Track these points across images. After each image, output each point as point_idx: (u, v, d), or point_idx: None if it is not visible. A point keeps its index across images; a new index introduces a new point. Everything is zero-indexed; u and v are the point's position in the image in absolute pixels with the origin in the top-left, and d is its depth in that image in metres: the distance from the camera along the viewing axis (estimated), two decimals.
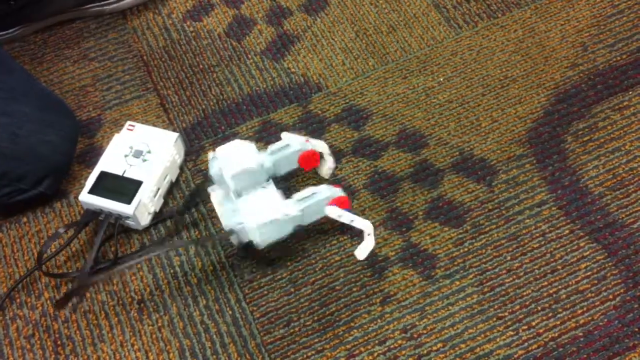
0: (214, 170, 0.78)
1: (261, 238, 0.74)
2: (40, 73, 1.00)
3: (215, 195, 0.80)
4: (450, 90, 0.93)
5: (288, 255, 0.81)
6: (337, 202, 0.76)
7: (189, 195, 0.78)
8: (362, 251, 0.76)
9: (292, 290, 0.79)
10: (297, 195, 0.76)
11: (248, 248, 0.77)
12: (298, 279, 0.80)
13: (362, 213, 0.83)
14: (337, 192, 0.77)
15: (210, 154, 0.79)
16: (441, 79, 0.94)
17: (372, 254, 0.80)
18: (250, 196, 0.76)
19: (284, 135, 0.83)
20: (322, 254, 0.81)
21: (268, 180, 0.79)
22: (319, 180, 0.86)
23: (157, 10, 1.06)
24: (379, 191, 0.85)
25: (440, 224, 0.82)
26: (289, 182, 0.86)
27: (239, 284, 0.80)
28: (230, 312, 0.78)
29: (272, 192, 0.76)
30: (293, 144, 0.80)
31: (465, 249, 0.80)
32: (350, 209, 0.77)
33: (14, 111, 0.82)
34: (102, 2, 1.03)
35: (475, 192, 0.84)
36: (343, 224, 0.79)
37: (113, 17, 1.05)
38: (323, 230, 0.82)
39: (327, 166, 0.85)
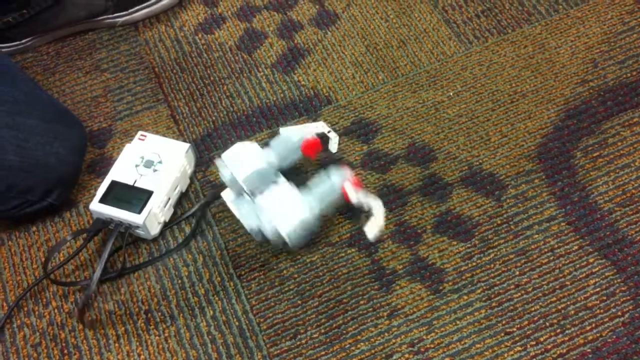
0: (225, 176, 0.79)
1: (292, 239, 0.75)
2: (53, 84, 1.01)
3: (230, 198, 0.82)
4: (459, 104, 0.93)
5: None
6: (353, 183, 0.77)
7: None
8: (371, 228, 0.78)
9: (299, 302, 0.79)
10: (313, 186, 0.77)
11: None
12: (305, 291, 0.80)
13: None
14: (348, 173, 0.78)
15: (218, 162, 0.80)
16: (451, 94, 0.94)
17: (380, 267, 0.80)
18: (270, 198, 0.77)
19: (282, 130, 0.84)
20: (329, 266, 0.81)
21: (277, 174, 0.80)
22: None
23: (169, 23, 1.06)
24: (388, 204, 0.85)
25: (449, 238, 0.82)
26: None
27: (247, 296, 0.80)
28: (237, 324, 0.78)
29: (289, 190, 0.77)
30: (292, 137, 0.81)
31: (474, 264, 0.80)
32: (362, 188, 0.78)
33: (20, 123, 0.82)
34: (115, 14, 1.04)
35: (484, 206, 0.84)
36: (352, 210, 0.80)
37: (125, 29, 1.06)
38: (331, 243, 0.82)
39: (333, 142, 0.87)
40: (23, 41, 1.04)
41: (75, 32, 1.05)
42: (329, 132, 0.86)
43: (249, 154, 0.79)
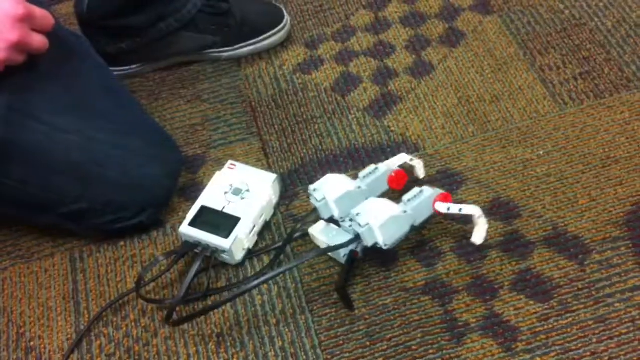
0: (318, 199, 0.82)
1: (385, 236, 0.77)
2: (155, 109, 1.06)
3: (316, 230, 0.85)
4: (549, 164, 0.92)
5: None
6: (442, 198, 0.81)
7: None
8: (478, 235, 0.81)
9: (368, 343, 0.79)
10: (405, 197, 0.80)
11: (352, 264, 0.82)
12: (375, 334, 0.80)
13: (446, 276, 0.83)
14: (438, 190, 0.82)
15: (311, 186, 0.83)
16: (541, 152, 0.93)
17: (453, 318, 0.80)
18: (363, 206, 0.80)
19: (372, 165, 0.87)
20: (401, 311, 0.81)
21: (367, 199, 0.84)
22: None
23: (270, 61, 1.11)
24: (466, 256, 0.85)
25: (526, 297, 0.80)
26: None
27: (316, 331, 0.81)
28: (304, 357, 0.79)
29: (381, 199, 0.81)
30: (381, 167, 0.85)
31: (550, 326, 0.78)
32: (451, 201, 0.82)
33: (125, 144, 0.87)
34: (221, 49, 1.10)
35: (566, 269, 0.82)
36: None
37: (229, 64, 1.11)
38: (405, 288, 0.82)
39: (419, 168, 0.90)
40: (132, 66, 1.10)
41: (181, 62, 1.11)
42: (411, 160, 0.88)
43: (339, 180, 0.83)
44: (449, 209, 0.80)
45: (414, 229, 0.81)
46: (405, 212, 0.78)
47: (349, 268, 0.82)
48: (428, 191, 0.81)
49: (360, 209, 0.79)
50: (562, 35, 1.07)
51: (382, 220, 0.77)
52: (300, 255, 0.86)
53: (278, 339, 0.81)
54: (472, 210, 0.80)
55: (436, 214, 0.82)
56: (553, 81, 1.01)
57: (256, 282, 0.75)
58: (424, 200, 0.80)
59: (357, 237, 0.79)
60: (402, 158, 0.89)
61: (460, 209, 0.80)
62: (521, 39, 1.07)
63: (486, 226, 0.81)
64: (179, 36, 1.06)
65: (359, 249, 0.81)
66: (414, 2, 1.16)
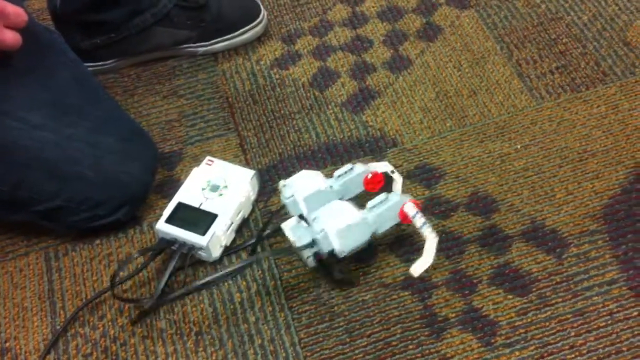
0: (286, 196, 0.81)
1: (341, 244, 0.75)
2: (131, 105, 1.05)
3: (288, 226, 0.82)
4: (526, 158, 0.92)
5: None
6: (410, 207, 0.78)
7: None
8: (417, 267, 0.76)
9: (348, 340, 0.79)
10: (370, 203, 0.78)
11: (325, 263, 0.79)
12: (355, 330, 0.79)
13: (425, 271, 0.83)
14: (407, 197, 0.78)
15: (281, 182, 0.82)
16: (518, 147, 0.94)
17: (432, 313, 0.80)
18: (324, 209, 0.78)
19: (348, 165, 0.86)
20: (381, 307, 0.81)
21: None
22: None
23: (247, 56, 1.10)
24: (445, 251, 0.85)
25: (505, 291, 0.81)
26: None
27: (296, 328, 0.80)
28: (284, 355, 0.78)
29: (344, 203, 0.79)
30: (357, 168, 0.83)
31: (529, 320, 0.78)
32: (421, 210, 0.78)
33: (100, 141, 0.86)
34: (197, 44, 1.08)
35: (544, 262, 0.83)
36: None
37: (205, 59, 1.10)
38: (384, 283, 0.82)
39: (397, 183, 0.86)
40: (107, 62, 1.09)
41: (157, 57, 1.10)
42: (392, 172, 0.86)
43: (312, 178, 0.81)
44: (414, 216, 0.76)
45: (376, 237, 0.79)
46: (364, 219, 0.76)
47: (324, 269, 0.80)
48: (394, 198, 0.77)
49: (319, 212, 0.77)
50: (538, 29, 1.07)
51: (338, 227, 0.75)
52: (262, 252, 0.85)
53: (257, 337, 0.80)
54: (429, 234, 0.76)
55: (402, 223, 0.79)
56: (530, 75, 1.02)
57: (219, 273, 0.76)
58: (388, 208, 0.77)
59: (314, 242, 0.77)
60: (384, 167, 0.86)
61: (423, 223, 0.76)
62: (498, 33, 1.08)
63: (431, 262, 0.76)
64: (155, 31, 1.05)
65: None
66: None
